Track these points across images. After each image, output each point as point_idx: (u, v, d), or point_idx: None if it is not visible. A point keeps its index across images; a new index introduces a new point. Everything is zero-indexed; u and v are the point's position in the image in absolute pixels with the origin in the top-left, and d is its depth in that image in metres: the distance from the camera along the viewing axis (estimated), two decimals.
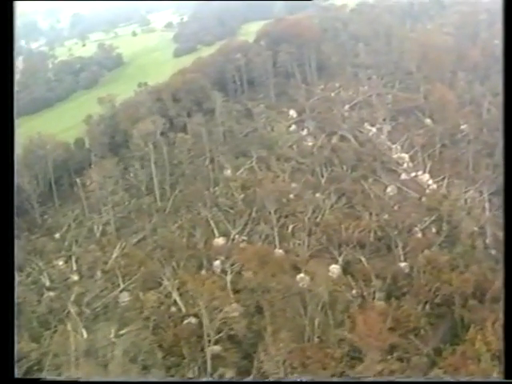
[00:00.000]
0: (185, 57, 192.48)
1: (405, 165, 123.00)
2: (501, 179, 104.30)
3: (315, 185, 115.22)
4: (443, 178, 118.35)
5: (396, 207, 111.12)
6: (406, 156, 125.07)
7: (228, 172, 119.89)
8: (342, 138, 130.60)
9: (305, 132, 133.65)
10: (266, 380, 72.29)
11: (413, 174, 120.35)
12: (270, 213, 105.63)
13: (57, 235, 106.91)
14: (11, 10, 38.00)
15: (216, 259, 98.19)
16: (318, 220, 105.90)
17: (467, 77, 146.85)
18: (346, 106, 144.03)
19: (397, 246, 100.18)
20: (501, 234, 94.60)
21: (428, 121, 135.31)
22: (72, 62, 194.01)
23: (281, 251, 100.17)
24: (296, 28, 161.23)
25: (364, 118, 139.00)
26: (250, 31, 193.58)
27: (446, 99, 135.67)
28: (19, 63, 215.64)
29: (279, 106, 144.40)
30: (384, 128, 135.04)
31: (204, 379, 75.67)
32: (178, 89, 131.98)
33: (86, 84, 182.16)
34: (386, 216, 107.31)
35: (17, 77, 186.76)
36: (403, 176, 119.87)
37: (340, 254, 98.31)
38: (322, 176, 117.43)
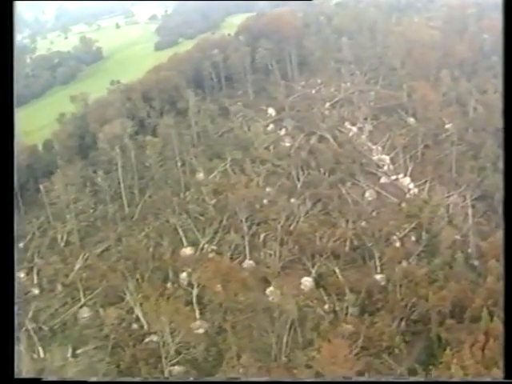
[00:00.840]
0: (166, 51, 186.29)
1: (385, 167, 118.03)
2: (486, 183, 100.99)
3: (290, 189, 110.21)
4: (425, 182, 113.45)
5: (374, 213, 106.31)
6: (386, 158, 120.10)
7: (200, 175, 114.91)
8: (321, 139, 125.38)
9: (283, 132, 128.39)
10: (266, 380, 71.61)
11: (393, 178, 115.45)
12: (241, 220, 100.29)
13: (20, 244, 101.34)
14: (11, 9, 37.86)
15: (183, 271, 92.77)
16: (291, 228, 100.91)
17: (453, 73, 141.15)
18: (327, 104, 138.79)
19: (373, 257, 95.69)
20: (483, 244, 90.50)
21: (411, 120, 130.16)
22: (50, 57, 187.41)
23: (251, 262, 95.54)
24: (277, 22, 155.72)
25: (345, 116, 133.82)
26: (234, 24, 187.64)
27: (430, 97, 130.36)
28: None
29: (257, 103, 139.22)
30: (365, 127, 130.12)
31: None
32: (151, 87, 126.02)
33: (64, 79, 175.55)
34: (363, 223, 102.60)
35: None
36: (383, 179, 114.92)
37: (313, 266, 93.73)
38: (298, 180, 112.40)
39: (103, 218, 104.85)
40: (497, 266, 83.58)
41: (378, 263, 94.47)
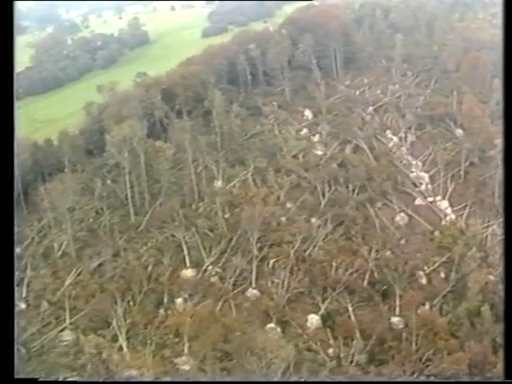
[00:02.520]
0: (212, 38, 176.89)
1: (423, 186, 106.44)
2: None
3: (313, 207, 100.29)
4: (464, 207, 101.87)
5: (402, 242, 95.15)
6: (425, 176, 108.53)
7: (218, 184, 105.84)
8: (357, 149, 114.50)
9: (316, 138, 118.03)
10: (269, 380, 68.73)
11: (430, 200, 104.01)
12: (252, 240, 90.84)
13: (18, 249, 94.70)
14: (11, 9, 38.23)
15: (179, 296, 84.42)
16: (305, 254, 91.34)
17: None
18: (370, 109, 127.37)
19: (393, 295, 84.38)
20: None
21: (459, 132, 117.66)
22: (93, 39, 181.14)
23: (255, 291, 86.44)
24: (325, 15, 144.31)
25: (387, 124, 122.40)
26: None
27: (480, 107, 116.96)
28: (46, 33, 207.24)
29: (294, 104, 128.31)
30: (408, 138, 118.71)
31: None
32: (177, 83, 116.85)
33: (104, 63, 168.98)
34: (387, 253, 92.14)
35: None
36: (418, 201, 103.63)
37: (323, 301, 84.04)
38: (324, 196, 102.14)
39: (107, 227, 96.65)
40: None
41: (397, 303, 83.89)
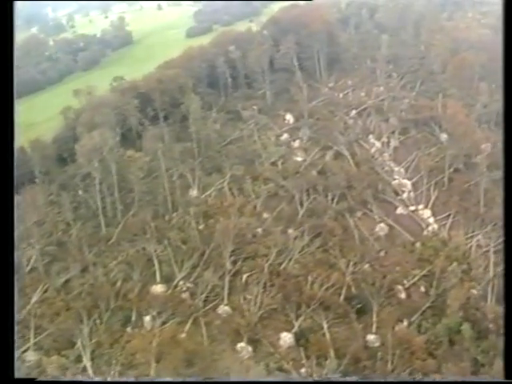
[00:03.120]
0: (197, 38, 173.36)
1: (405, 195, 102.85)
2: None
3: (290, 217, 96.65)
4: (448, 216, 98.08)
5: (382, 254, 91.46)
6: (408, 183, 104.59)
7: (194, 193, 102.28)
8: (338, 155, 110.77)
9: (297, 143, 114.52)
10: (268, 380, 69.91)
11: (412, 208, 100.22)
12: (226, 254, 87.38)
13: None
14: (11, 9, 38.26)
15: (147, 314, 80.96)
16: (280, 268, 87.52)
17: (497, 82, 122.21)
18: (353, 112, 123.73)
19: (370, 311, 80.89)
20: (500, 311, 75.29)
21: (443, 136, 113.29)
22: (75, 40, 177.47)
23: (227, 308, 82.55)
24: (310, 15, 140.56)
25: (370, 128, 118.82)
26: None
27: (466, 110, 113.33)
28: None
29: (275, 108, 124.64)
30: (391, 143, 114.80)
31: None
32: (153, 88, 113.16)
33: (85, 65, 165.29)
34: (366, 266, 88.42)
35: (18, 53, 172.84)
36: (400, 210, 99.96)
37: (297, 318, 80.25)
38: (302, 205, 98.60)
39: (76, 240, 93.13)
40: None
41: (374, 319, 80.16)
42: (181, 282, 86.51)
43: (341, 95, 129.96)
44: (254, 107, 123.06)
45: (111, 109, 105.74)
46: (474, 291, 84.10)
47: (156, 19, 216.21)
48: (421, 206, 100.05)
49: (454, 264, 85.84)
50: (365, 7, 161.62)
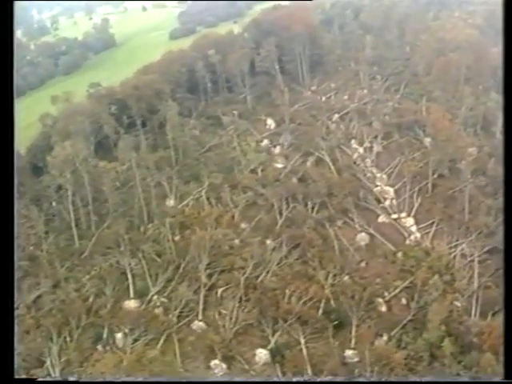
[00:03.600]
0: (181, 40, 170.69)
1: (387, 202, 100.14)
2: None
3: (269, 227, 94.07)
4: (431, 224, 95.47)
5: (362, 265, 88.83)
6: (390, 190, 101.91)
7: (171, 202, 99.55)
8: (319, 161, 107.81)
9: (277, 150, 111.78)
10: (268, 380, 69.74)
11: (394, 216, 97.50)
12: (201, 267, 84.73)
13: None
14: (11, 9, 38.82)
15: (119, 330, 78.25)
16: (257, 281, 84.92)
17: (484, 84, 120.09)
18: (335, 116, 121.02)
19: (350, 325, 78.27)
20: (484, 325, 73.31)
21: (427, 141, 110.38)
22: (57, 44, 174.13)
23: (201, 324, 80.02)
24: (292, 17, 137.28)
25: (352, 133, 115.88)
26: None
27: (451, 114, 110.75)
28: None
29: (256, 112, 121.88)
30: (373, 148, 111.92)
31: None
32: (130, 94, 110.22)
33: (66, 69, 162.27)
34: (345, 278, 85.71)
35: None
36: (381, 218, 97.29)
37: (273, 333, 77.64)
38: (281, 215, 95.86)
39: (49, 254, 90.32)
40: (492, 364, 66.12)
41: (353, 334, 77.38)
42: (155, 297, 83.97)
43: (323, 99, 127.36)
44: (235, 112, 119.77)
45: (86, 117, 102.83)
46: (458, 303, 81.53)
47: (140, 21, 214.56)
48: (403, 214, 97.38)
49: (437, 276, 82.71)
50: (349, 7, 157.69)
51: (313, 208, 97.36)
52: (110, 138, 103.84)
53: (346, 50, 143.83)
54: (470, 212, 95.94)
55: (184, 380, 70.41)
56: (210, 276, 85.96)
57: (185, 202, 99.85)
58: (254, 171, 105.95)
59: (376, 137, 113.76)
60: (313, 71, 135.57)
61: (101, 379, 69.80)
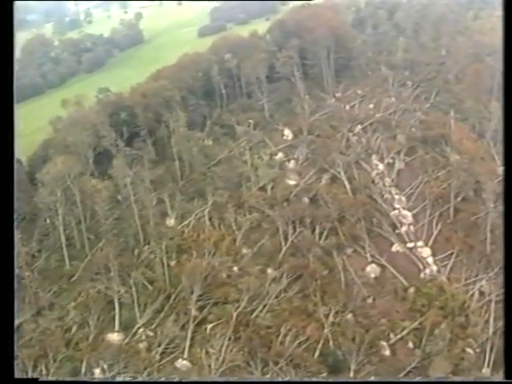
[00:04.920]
0: (209, 38, 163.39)
1: (403, 228, 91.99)
2: None
3: (272, 254, 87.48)
4: (449, 255, 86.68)
5: (369, 301, 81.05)
6: (408, 215, 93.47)
7: (171, 222, 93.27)
8: (334, 179, 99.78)
9: (291, 164, 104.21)
10: (266, 380, 68.21)
11: (410, 245, 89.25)
12: (192, 298, 78.72)
13: None
14: (11, 9, 38.52)
15: (98, 366, 72.97)
16: (251, 316, 78.26)
17: None
18: (358, 127, 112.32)
19: (348, 370, 71.01)
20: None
21: (455, 158, 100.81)
22: (82, 40, 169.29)
23: (186, 362, 74.06)
24: (319, 17, 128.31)
25: (374, 147, 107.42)
26: None
27: (483, 125, 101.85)
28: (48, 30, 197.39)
29: (274, 121, 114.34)
30: (395, 165, 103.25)
31: None
32: (138, 103, 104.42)
33: (89, 67, 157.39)
34: (349, 316, 78.20)
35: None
36: (395, 247, 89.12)
37: (263, 375, 70.37)
38: (286, 240, 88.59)
39: (37, 276, 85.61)
40: None
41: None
42: (141, 330, 77.92)
43: (347, 107, 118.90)
44: (250, 121, 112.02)
45: (87, 127, 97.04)
46: (470, 350, 73.01)
47: (174, 15, 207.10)
48: (420, 243, 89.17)
49: (455, 310, 74.65)
50: (385, 6, 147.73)
51: (321, 233, 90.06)
52: (110, 151, 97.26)
53: (378, 52, 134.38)
54: (493, 242, 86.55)
55: (184, 380, 69.18)
56: (201, 308, 79.91)
57: (185, 222, 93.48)
58: (263, 189, 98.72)
59: (399, 152, 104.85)
60: (339, 76, 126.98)
61: (101, 379, 68.63)
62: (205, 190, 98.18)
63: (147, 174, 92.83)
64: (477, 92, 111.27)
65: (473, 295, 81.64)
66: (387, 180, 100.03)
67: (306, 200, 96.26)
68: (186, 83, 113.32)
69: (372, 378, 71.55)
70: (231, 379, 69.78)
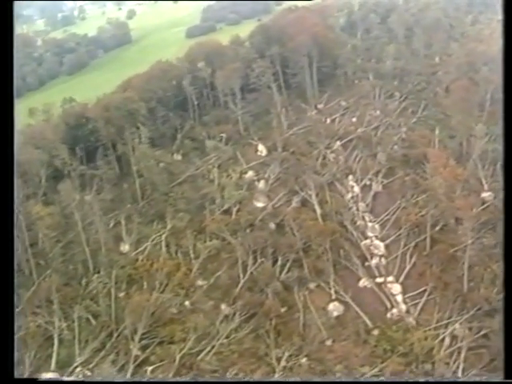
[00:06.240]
0: (197, 38, 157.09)
1: (374, 261, 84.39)
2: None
3: (228, 287, 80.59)
4: (421, 293, 78.95)
5: (328, 343, 74.01)
6: (381, 245, 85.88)
7: (125, 248, 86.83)
8: (305, 203, 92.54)
9: (261, 184, 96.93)
10: (268, 380, 66.66)
11: (379, 280, 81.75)
12: (136, 336, 72.32)
13: None
14: (11, 9, 38.66)
15: None
16: (196, 359, 71.46)
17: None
18: (337, 144, 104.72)
19: None
20: None
21: (437, 182, 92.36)
22: (66, 39, 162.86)
23: None
24: (305, 21, 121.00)
25: (352, 166, 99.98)
26: None
27: (471, 145, 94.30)
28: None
29: (249, 135, 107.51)
30: (372, 187, 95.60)
31: None
32: (100, 116, 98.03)
33: (71, 69, 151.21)
34: (303, 360, 71.32)
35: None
36: (363, 282, 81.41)
37: None
38: (245, 272, 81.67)
39: None
40: None
41: None
42: (78, 369, 71.60)
43: (328, 120, 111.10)
44: (223, 134, 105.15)
45: (44, 143, 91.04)
46: None
47: (168, 13, 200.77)
48: (390, 278, 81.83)
49: (421, 357, 67.67)
50: (380, 9, 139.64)
51: (284, 265, 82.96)
52: (62, 171, 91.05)
53: (367, 59, 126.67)
54: (472, 279, 79.00)
55: (183, 380, 67.73)
56: (144, 348, 73.41)
57: (141, 248, 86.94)
58: (227, 212, 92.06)
59: (378, 172, 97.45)
60: (324, 85, 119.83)
61: (101, 379, 67.14)
62: (166, 212, 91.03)
63: (101, 195, 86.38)
64: (467, 106, 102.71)
65: (443, 340, 73.73)
66: (361, 205, 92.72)
67: (272, 226, 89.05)
68: (156, 94, 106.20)
69: None
70: (231, 379, 67.16)
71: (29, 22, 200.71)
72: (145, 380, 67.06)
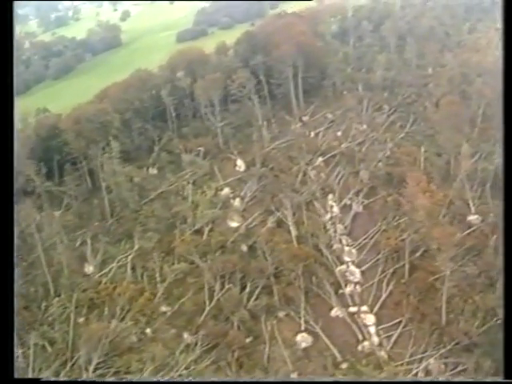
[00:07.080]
0: (187, 43, 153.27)
1: (348, 288, 79.92)
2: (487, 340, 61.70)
3: (191, 315, 76.64)
4: (396, 325, 74.47)
5: (294, 376, 69.91)
6: (356, 272, 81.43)
7: (90, 269, 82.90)
8: (280, 224, 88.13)
9: (236, 203, 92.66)
10: (267, 380, 67.15)
11: (352, 310, 77.22)
12: (90, 366, 68.64)
13: None
14: (11, 9, 38.53)
15: None
16: None
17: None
18: (319, 160, 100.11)
19: None
20: None
21: (418, 203, 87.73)
22: (54, 42, 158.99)
23: None
24: (292, 28, 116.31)
25: (333, 184, 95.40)
26: None
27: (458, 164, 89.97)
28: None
29: (228, 149, 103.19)
30: (352, 208, 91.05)
31: None
32: (70, 129, 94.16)
33: (57, 73, 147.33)
34: None
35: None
36: (335, 312, 77.08)
37: None
38: (211, 298, 77.53)
39: None
40: None
41: None
42: None
43: (312, 134, 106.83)
44: (201, 148, 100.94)
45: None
46: None
47: (163, 15, 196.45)
48: (364, 308, 77.24)
49: None
50: (374, 15, 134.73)
51: (252, 292, 78.70)
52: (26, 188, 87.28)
53: (357, 69, 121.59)
54: (451, 311, 74.61)
55: (184, 380, 66.74)
56: (100, 377, 69.04)
57: (105, 270, 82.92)
58: (199, 232, 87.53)
59: (359, 192, 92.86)
60: (311, 96, 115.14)
61: (101, 379, 66.24)
62: (134, 231, 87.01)
63: (70, 211, 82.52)
64: (457, 122, 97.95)
65: (416, 376, 69.34)
66: (340, 227, 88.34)
67: (244, 248, 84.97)
68: (133, 104, 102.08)
69: None
70: (231, 379, 66.86)
71: (22, 23, 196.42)
72: (144, 380, 66.28)
